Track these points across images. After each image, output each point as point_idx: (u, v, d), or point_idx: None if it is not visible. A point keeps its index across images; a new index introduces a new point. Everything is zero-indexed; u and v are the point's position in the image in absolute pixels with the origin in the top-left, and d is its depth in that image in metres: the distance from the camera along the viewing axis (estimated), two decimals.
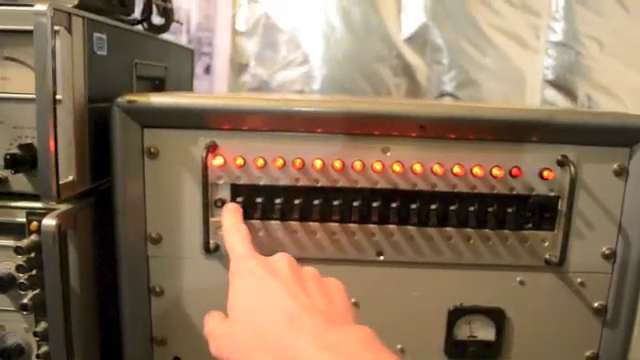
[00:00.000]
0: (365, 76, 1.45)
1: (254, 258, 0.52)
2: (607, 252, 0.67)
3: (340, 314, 0.47)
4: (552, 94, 1.44)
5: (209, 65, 1.46)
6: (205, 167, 0.62)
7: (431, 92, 1.42)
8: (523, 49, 1.45)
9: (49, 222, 0.57)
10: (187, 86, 1.02)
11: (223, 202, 0.65)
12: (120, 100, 0.62)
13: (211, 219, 0.65)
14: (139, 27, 0.88)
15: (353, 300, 0.68)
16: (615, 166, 0.65)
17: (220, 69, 1.46)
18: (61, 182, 0.58)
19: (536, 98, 1.44)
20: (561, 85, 1.43)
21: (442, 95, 1.44)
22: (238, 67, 1.47)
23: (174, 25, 1.41)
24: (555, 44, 1.43)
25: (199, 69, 1.45)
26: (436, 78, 1.46)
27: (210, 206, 0.64)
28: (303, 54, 1.46)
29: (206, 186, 0.62)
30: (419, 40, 1.46)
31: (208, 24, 1.46)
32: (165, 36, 0.95)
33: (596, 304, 0.69)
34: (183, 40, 1.38)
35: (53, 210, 0.59)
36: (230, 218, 0.59)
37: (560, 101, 1.41)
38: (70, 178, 0.60)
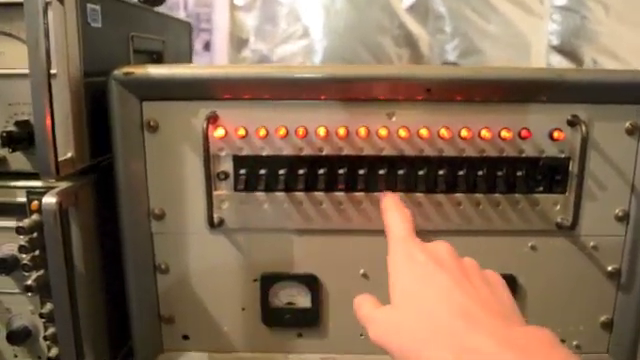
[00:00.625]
0: (367, 47, 1.43)
1: (414, 242, 0.49)
2: (620, 214, 0.65)
3: (511, 312, 0.44)
4: (557, 60, 1.41)
5: (208, 41, 1.44)
6: (206, 139, 0.60)
7: (434, 61, 1.40)
8: (527, 14, 1.42)
9: (49, 200, 0.56)
10: (186, 61, 1.00)
11: (226, 174, 0.63)
12: (117, 72, 0.60)
13: (214, 192, 0.63)
14: None
15: (362, 271, 0.67)
16: (627, 124, 0.63)
17: (219, 45, 1.43)
18: (60, 159, 0.56)
19: (541, 64, 1.42)
20: (566, 50, 1.41)
21: (445, 64, 1.41)
22: (238, 42, 1.45)
23: (171, 2, 1.39)
24: (560, 8, 1.40)
25: (198, 45, 1.43)
26: (439, 47, 1.44)
27: (213, 179, 0.63)
28: (303, 27, 1.44)
29: (208, 158, 0.61)
30: (421, 8, 1.43)
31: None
32: (162, 11, 0.92)
33: (610, 268, 0.67)
34: (181, 16, 1.36)
35: (53, 188, 0.58)
36: (391, 198, 0.56)
37: (566, 66, 1.39)
38: (69, 155, 0.59)
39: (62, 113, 0.58)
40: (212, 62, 1.42)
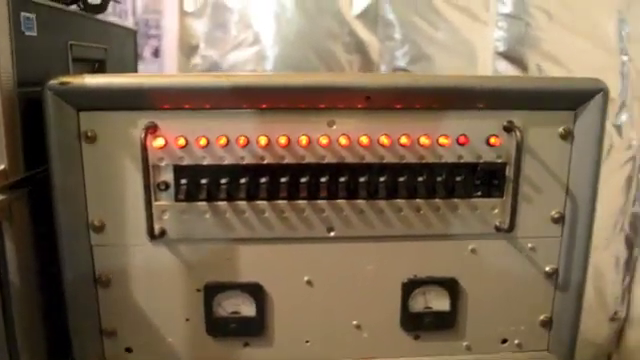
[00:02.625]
0: (318, 54, 1.43)
1: None
2: (556, 216, 0.68)
3: None
4: (503, 66, 1.44)
5: (157, 48, 1.42)
6: (145, 149, 0.59)
7: (385, 68, 1.42)
8: (474, 22, 1.45)
9: None
10: (131, 69, 0.99)
11: (167, 185, 0.63)
12: (52, 82, 0.59)
13: (155, 203, 0.63)
14: (74, 7, 0.84)
15: (306, 278, 0.67)
16: (561, 129, 0.65)
17: (169, 51, 1.41)
18: None
19: (488, 70, 1.45)
20: (512, 56, 1.44)
21: (395, 70, 1.43)
22: (188, 49, 1.44)
23: (119, 8, 1.37)
24: (505, 16, 1.43)
25: (147, 52, 1.41)
26: (389, 54, 1.45)
27: (153, 189, 0.62)
28: (254, 34, 1.44)
29: (147, 169, 0.60)
30: (370, 16, 1.44)
31: (155, 5, 1.42)
32: (109, 18, 0.91)
33: (547, 268, 0.69)
34: (129, 23, 1.33)
35: None
36: None
37: (511, 72, 1.42)
38: (1, 167, 0.57)
39: None
40: (161, 69, 1.40)
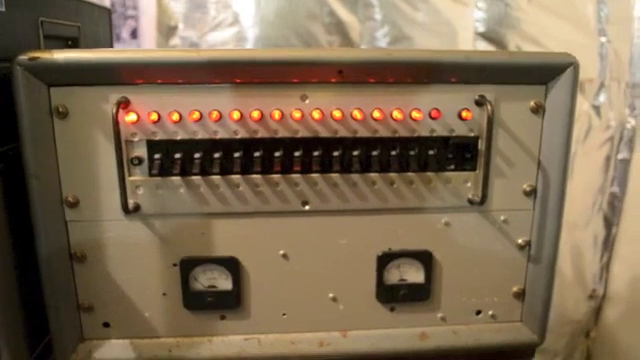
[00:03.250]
0: (298, 35, 1.43)
1: None
2: (528, 189, 0.69)
3: None
4: (483, 46, 1.45)
5: (135, 28, 1.41)
6: (117, 124, 0.59)
7: (358, 48, 1.42)
8: (454, 2, 1.45)
9: None
10: (107, 48, 0.98)
11: (140, 160, 0.63)
12: (22, 57, 0.58)
13: (129, 178, 0.63)
14: None
15: (282, 252, 0.68)
16: (532, 103, 0.66)
17: (147, 32, 1.41)
18: None
19: None
20: (492, 37, 1.45)
21: None
22: (167, 30, 1.43)
23: None
24: None
25: (125, 33, 1.40)
26: (369, 34, 1.45)
27: (127, 164, 0.62)
28: (233, 14, 1.43)
29: (119, 144, 0.60)
30: None
31: None
32: None
33: (520, 240, 0.71)
34: (106, 3, 1.32)
35: None
36: None
37: None
38: None
39: None
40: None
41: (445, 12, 1.46)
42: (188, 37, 1.42)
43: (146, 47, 1.40)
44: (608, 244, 1.48)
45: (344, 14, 1.44)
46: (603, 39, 1.39)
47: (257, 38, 1.42)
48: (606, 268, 1.50)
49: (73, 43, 0.82)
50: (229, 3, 1.42)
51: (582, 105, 1.39)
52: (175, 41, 1.42)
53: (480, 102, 0.65)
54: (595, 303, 1.52)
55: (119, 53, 0.61)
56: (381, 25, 1.45)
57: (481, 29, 1.44)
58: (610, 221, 1.47)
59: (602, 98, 1.41)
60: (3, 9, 0.62)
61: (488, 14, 1.44)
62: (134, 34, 1.41)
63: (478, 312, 0.73)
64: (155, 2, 1.39)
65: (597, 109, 1.42)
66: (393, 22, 1.45)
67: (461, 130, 0.66)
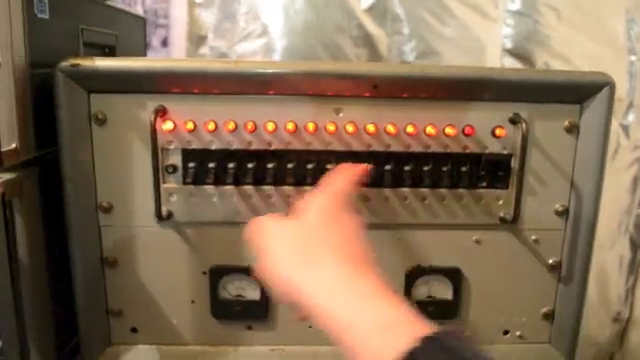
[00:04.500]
0: (325, 47, 1.43)
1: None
2: (560, 209, 0.68)
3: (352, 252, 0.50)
4: (511, 63, 1.44)
5: (166, 37, 1.42)
6: (154, 132, 0.60)
7: (392, 63, 1.42)
8: (482, 18, 1.45)
9: None
10: (140, 56, 0.99)
11: (175, 168, 0.64)
12: (64, 64, 0.60)
13: (163, 185, 0.63)
14: None
15: None
16: (566, 123, 0.66)
17: (177, 41, 1.42)
18: (3, 149, 0.56)
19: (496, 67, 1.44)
20: (520, 54, 1.44)
21: None
22: (196, 39, 1.44)
23: None
24: (513, 13, 1.43)
25: (156, 42, 1.41)
26: (397, 48, 1.45)
27: (161, 172, 0.63)
28: (262, 25, 1.44)
29: (156, 151, 0.61)
30: (379, 10, 1.44)
31: None
32: (115, 4, 0.92)
33: (551, 260, 0.70)
34: (138, 11, 1.34)
35: None
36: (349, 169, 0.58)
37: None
38: (13, 145, 0.58)
39: (6, 103, 0.57)
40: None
41: (473, 28, 1.45)
42: (217, 47, 1.43)
43: (176, 55, 1.41)
44: (634, 266, 1.45)
45: (372, 27, 1.45)
46: (633, 57, 1.37)
47: (285, 49, 1.43)
48: (632, 291, 1.47)
49: (110, 51, 0.83)
50: (258, 14, 1.43)
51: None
52: (204, 50, 1.43)
53: (514, 120, 0.64)
54: (620, 326, 1.49)
55: (158, 62, 0.62)
56: (409, 39, 1.45)
57: (509, 45, 1.44)
58: (636, 243, 1.44)
59: (631, 117, 1.39)
60: (47, 16, 0.63)
61: (516, 30, 1.43)
62: (164, 43, 1.42)
63: (506, 332, 0.72)
64: (186, 12, 1.41)
65: (625, 128, 1.40)
66: (420, 36, 1.45)
67: (494, 147, 0.65)
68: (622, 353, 1.50)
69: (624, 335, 1.50)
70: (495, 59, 1.45)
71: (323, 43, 1.43)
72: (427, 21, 1.44)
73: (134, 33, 0.96)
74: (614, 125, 1.38)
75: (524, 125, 0.63)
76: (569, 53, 1.40)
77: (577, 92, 0.65)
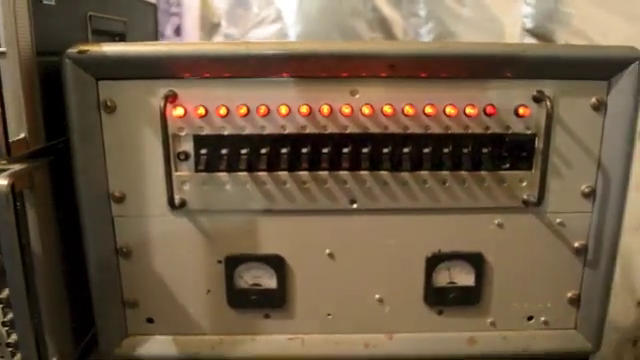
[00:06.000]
0: (341, 31, 1.41)
1: None
2: (586, 190, 0.66)
3: None
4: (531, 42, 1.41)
5: (179, 25, 1.41)
6: (164, 118, 0.59)
7: (408, 41, 1.39)
8: None
9: (1, 182, 0.54)
10: None
11: (187, 155, 0.62)
12: (71, 51, 0.58)
13: (175, 173, 0.62)
14: None
15: (328, 251, 0.66)
16: (593, 100, 0.63)
17: (190, 29, 1.41)
18: (12, 139, 0.55)
19: None
20: (540, 33, 1.40)
21: None
22: (210, 27, 1.43)
23: None
24: None
25: (169, 30, 1.41)
26: (413, 31, 1.43)
27: (173, 160, 0.62)
28: (276, 11, 1.42)
29: (167, 139, 0.59)
30: None
31: None
32: None
33: (576, 244, 0.67)
34: None
35: (5, 170, 0.56)
36: None
37: None
38: (22, 135, 0.57)
39: (13, 93, 0.56)
40: None
41: (492, 8, 1.42)
42: (231, 34, 1.42)
43: None
44: None
45: (388, 10, 1.42)
46: None
47: (299, 35, 1.41)
48: None
49: (120, 38, 0.82)
50: (272, 0, 1.41)
51: None
52: (218, 38, 1.42)
53: (538, 98, 0.62)
54: None
55: (167, 47, 0.60)
56: (425, 21, 1.42)
57: (529, 25, 1.40)
58: None
59: None
60: (53, 3, 0.62)
61: (536, 10, 1.40)
62: (177, 31, 1.41)
63: (530, 318, 0.70)
64: None
65: None
66: (438, 18, 1.42)
67: (517, 127, 0.63)
68: None
69: None
70: (514, 39, 1.42)
71: (338, 27, 1.41)
72: (444, 2, 1.41)
73: (145, 20, 0.95)
74: None
75: (549, 103, 0.60)
76: (592, 32, 1.36)
77: (605, 68, 0.62)
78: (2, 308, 0.60)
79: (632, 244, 1.41)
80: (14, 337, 0.60)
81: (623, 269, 1.43)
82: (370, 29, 1.42)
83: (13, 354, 0.61)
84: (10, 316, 0.60)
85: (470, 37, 1.40)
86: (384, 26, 1.42)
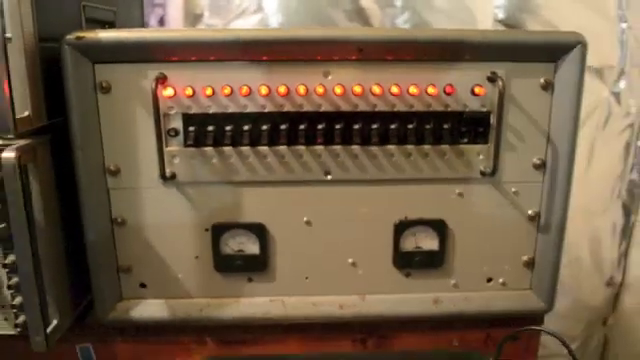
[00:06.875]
0: (320, 21, 1.45)
1: None
2: (537, 162, 0.72)
3: None
4: None
5: (163, 16, 1.45)
6: (156, 98, 0.65)
7: (376, 27, 1.44)
8: None
9: (9, 155, 0.59)
10: None
11: (176, 131, 0.68)
12: (69, 37, 0.64)
13: (166, 148, 0.68)
14: None
15: (305, 219, 0.73)
16: (542, 80, 0.70)
17: (174, 20, 1.45)
18: (18, 116, 0.60)
19: None
20: (512, 24, 1.45)
21: None
22: (193, 17, 1.47)
23: None
24: None
25: (153, 21, 1.44)
26: (390, 21, 1.47)
27: (164, 136, 0.67)
28: (257, 2, 1.46)
29: (158, 116, 0.65)
30: None
31: None
32: None
33: (530, 211, 0.74)
34: None
35: (12, 145, 0.61)
36: None
37: None
38: (26, 113, 0.62)
39: (19, 75, 0.61)
40: None
41: None
42: (213, 25, 1.45)
43: None
44: (627, 232, 1.49)
45: (365, 1, 1.47)
46: (623, 25, 1.39)
47: (280, 24, 1.45)
48: (624, 255, 1.50)
49: (110, 26, 0.87)
50: None
51: (602, 92, 1.39)
52: (200, 28, 1.46)
53: (492, 79, 0.68)
54: (613, 290, 1.53)
55: (157, 32, 0.67)
56: (401, 11, 1.47)
57: (501, 15, 1.45)
58: (629, 208, 1.47)
59: (622, 85, 1.41)
60: None
61: (508, 0, 1.45)
62: (161, 22, 1.45)
63: (489, 280, 0.77)
64: None
65: (617, 96, 1.42)
66: (413, 8, 1.46)
67: (474, 105, 0.70)
68: (615, 317, 1.55)
69: (617, 299, 1.53)
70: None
71: (317, 17, 1.45)
72: None
73: (132, 9, 1.00)
74: (605, 93, 1.41)
75: (501, 83, 0.67)
76: (560, 22, 1.41)
77: (551, 51, 0.69)
78: (7, 273, 0.66)
79: (600, 227, 1.48)
80: (18, 300, 0.66)
81: (592, 251, 1.50)
82: (348, 19, 1.47)
83: (17, 316, 0.67)
84: (15, 280, 0.65)
85: (444, 27, 1.45)
86: (362, 16, 1.46)
